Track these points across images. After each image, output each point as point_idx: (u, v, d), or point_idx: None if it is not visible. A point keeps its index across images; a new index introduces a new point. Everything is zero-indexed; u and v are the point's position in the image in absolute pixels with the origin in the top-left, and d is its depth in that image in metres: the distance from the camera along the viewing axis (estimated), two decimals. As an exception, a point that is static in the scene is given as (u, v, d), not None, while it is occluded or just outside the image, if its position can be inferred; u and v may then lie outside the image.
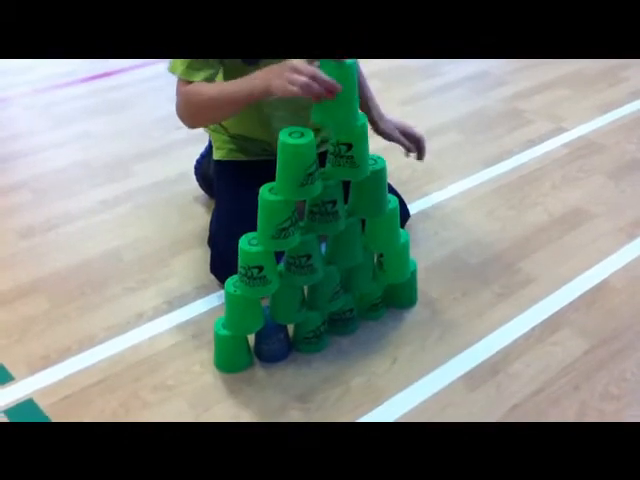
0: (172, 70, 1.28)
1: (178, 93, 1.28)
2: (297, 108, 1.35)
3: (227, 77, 1.34)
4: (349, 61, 1.03)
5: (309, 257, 1.14)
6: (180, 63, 1.25)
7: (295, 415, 1.14)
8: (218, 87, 1.24)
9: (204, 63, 1.25)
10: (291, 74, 1.04)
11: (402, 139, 1.51)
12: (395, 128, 1.51)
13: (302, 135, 1.04)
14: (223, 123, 1.48)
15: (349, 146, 1.08)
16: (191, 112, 1.28)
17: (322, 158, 1.20)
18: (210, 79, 1.26)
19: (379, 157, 1.17)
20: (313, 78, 1.02)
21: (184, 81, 1.26)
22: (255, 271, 1.10)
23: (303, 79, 1.02)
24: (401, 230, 1.25)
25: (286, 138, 1.04)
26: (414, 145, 1.52)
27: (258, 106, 1.34)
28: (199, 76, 1.25)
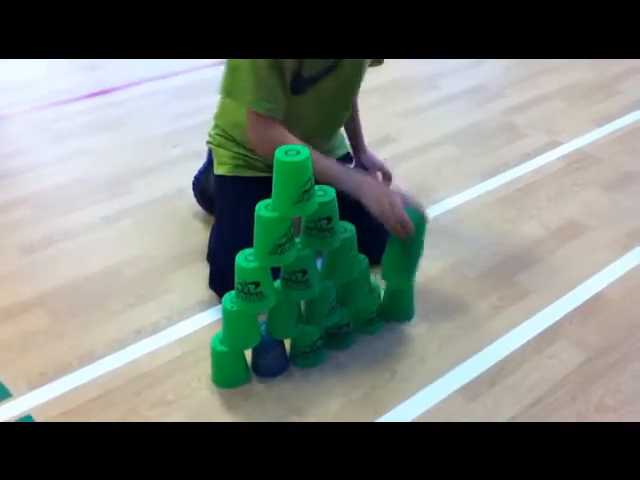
0: (229, 94, 1.33)
1: (253, 127, 1.33)
2: (326, 114, 1.42)
3: None
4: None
5: (305, 272, 1.16)
6: (248, 92, 1.28)
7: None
8: (316, 159, 1.20)
9: (270, 96, 1.29)
10: (390, 207, 1.21)
11: (376, 174, 1.62)
12: (372, 162, 1.63)
13: (298, 153, 1.06)
14: (241, 137, 1.48)
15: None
16: (263, 149, 1.35)
17: None
18: (276, 111, 1.30)
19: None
20: (402, 222, 1.20)
21: (252, 111, 1.30)
22: (252, 287, 1.11)
23: (393, 220, 1.20)
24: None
25: (282, 156, 1.05)
26: (384, 181, 1.63)
27: (289, 112, 1.37)
28: (266, 109, 1.29)
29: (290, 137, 1.28)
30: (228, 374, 1.22)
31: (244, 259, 1.12)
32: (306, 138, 1.25)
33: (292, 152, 1.06)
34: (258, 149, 1.38)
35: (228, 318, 1.17)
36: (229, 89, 1.32)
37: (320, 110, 1.41)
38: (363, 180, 1.28)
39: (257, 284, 1.11)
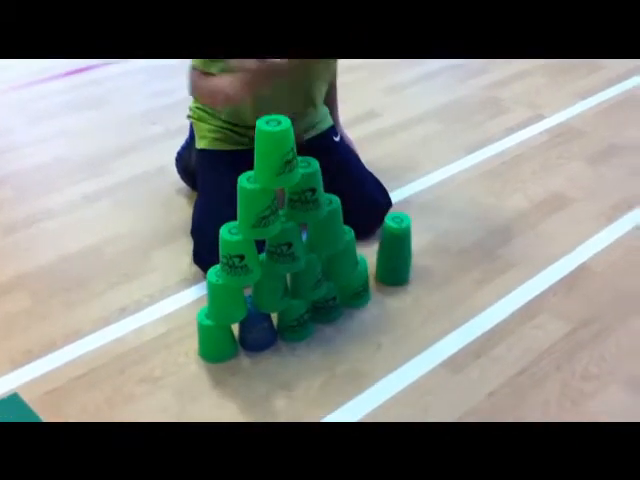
0: None
1: (191, 76, 1.37)
2: (294, 88, 1.41)
3: None
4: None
5: (290, 245, 1.15)
6: None
7: (280, 403, 1.15)
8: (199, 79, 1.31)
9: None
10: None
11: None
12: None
13: (279, 123, 1.04)
14: (217, 110, 1.49)
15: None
16: (196, 92, 1.41)
17: (309, 146, 1.21)
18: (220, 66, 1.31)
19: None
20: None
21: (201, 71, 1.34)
22: (237, 260, 1.11)
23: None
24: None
25: (263, 126, 1.04)
26: None
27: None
28: (215, 67, 1.29)
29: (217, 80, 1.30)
30: (215, 348, 1.22)
31: (228, 232, 1.11)
32: (283, 109, 1.23)
33: (273, 122, 1.04)
34: (199, 99, 1.45)
35: (213, 292, 1.16)
36: None
37: (290, 82, 1.39)
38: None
39: (242, 257, 1.11)
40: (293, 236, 1.15)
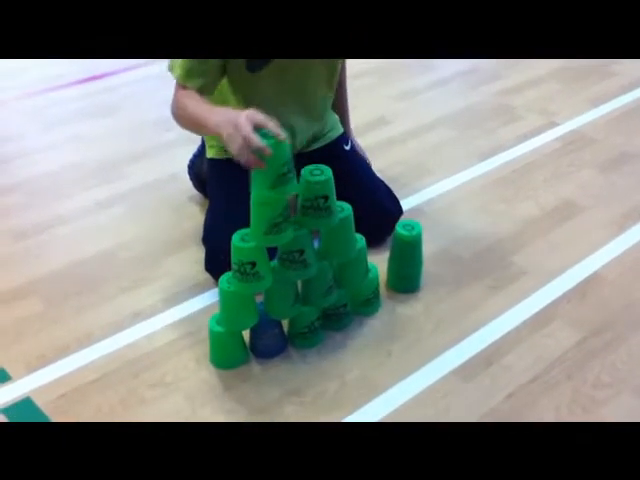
0: (171, 70, 1.30)
1: (174, 96, 1.29)
2: (294, 94, 1.39)
3: (232, 85, 1.37)
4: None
5: (302, 252, 1.15)
6: (179, 66, 1.27)
7: (291, 410, 1.15)
8: (197, 107, 1.21)
9: (202, 71, 1.26)
10: (234, 132, 1.03)
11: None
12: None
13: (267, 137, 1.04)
14: None
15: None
16: (177, 118, 1.29)
17: (320, 155, 1.19)
18: (206, 87, 1.27)
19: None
20: (247, 141, 1.01)
21: (180, 85, 1.28)
22: (248, 267, 1.11)
23: (239, 141, 1.01)
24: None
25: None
26: None
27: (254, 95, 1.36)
28: (195, 83, 1.26)
29: (192, 100, 1.22)
30: (226, 355, 1.22)
31: (240, 239, 1.12)
32: (282, 121, 1.22)
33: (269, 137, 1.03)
34: (176, 120, 1.29)
35: (225, 299, 1.17)
36: (170, 64, 1.30)
37: (286, 91, 1.39)
38: (222, 117, 1.10)
39: (253, 264, 1.11)
40: (305, 243, 1.16)
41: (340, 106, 1.62)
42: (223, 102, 1.36)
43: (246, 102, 1.36)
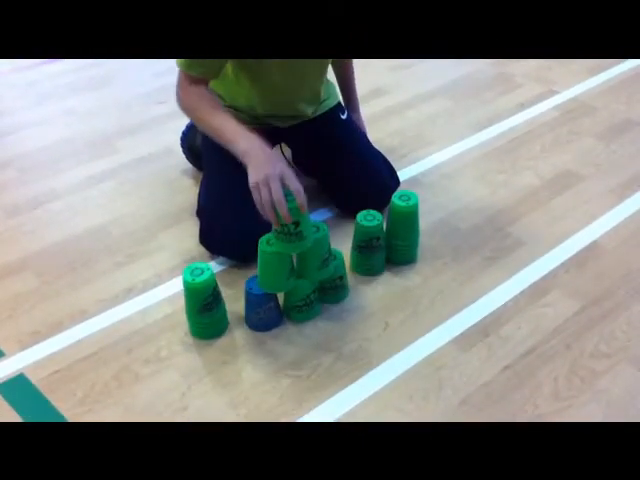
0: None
1: (179, 82, 1.28)
2: (299, 77, 1.38)
3: (238, 70, 1.35)
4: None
5: (298, 224, 1.13)
6: None
7: (287, 382, 1.14)
8: (211, 114, 1.22)
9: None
10: (263, 185, 1.07)
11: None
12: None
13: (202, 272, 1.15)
14: (223, 92, 1.45)
15: (296, 224, 1.12)
16: (183, 111, 1.29)
17: (316, 123, 1.15)
18: (210, 73, 1.27)
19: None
20: (276, 203, 1.06)
21: (185, 73, 1.26)
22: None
23: (266, 197, 1.06)
24: None
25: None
26: None
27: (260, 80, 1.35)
28: (199, 71, 1.25)
29: (204, 101, 1.24)
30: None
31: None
32: (289, 103, 1.20)
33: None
34: (180, 105, 1.30)
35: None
36: None
37: (290, 75, 1.37)
38: (250, 149, 1.14)
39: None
40: (301, 215, 1.14)
41: (346, 79, 1.60)
42: (231, 88, 1.37)
43: (253, 87, 1.36)
